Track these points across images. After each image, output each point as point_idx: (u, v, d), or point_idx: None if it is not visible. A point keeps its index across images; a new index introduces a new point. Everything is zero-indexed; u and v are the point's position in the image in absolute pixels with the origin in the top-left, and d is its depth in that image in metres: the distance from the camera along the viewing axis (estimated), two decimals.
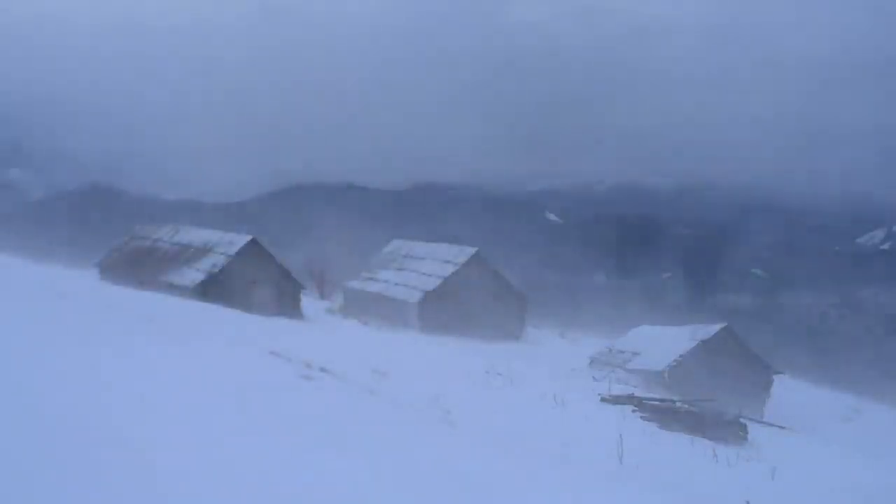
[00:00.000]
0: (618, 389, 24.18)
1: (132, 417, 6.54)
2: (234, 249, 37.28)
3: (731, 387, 30.85)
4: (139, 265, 40.69)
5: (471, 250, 45.28)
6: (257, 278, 36.74)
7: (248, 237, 37.92)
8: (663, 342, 35.60)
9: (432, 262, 45.84)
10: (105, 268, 43.08)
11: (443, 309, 42.06)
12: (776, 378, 35.78)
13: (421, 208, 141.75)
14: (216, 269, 36.29)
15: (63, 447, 5.21)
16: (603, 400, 21.14)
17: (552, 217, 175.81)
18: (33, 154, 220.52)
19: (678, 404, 20.66)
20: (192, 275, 36.69)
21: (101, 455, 5.27)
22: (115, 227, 52.72)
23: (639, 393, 23.86)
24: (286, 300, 37.41)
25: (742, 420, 19.26)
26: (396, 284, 45.49)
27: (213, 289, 34.43)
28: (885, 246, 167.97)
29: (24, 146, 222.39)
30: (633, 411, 19.41)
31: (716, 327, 35.79)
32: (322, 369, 14.03)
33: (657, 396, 23.46)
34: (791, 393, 36.39)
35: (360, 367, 16.73)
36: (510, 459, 9.71)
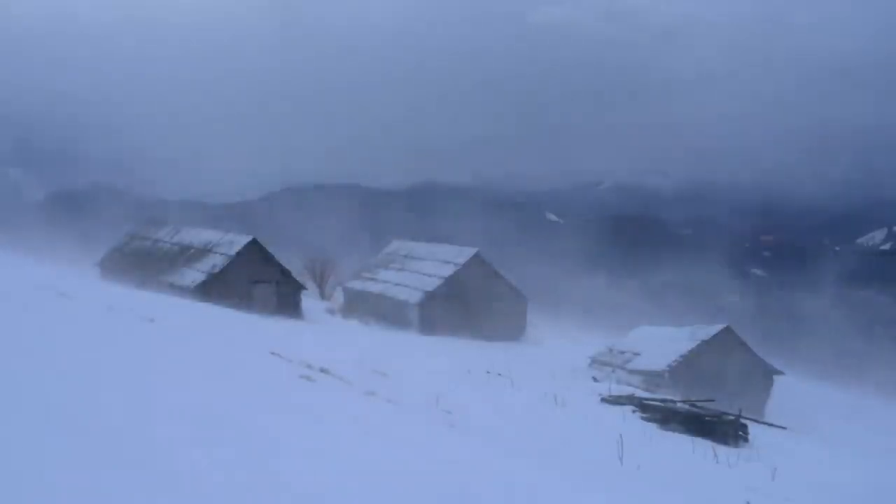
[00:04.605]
0: (618, 390, 24.18)
1: (131, 416, 6.54)
2: (234, 250, 37.31)
3: (732, 387, 30.87)
4: (140, 265, 40.73)
5: (471, 251, 45.29)
6: (257, 278, 36.77)
7: (249, 237, 37.95)
8: (664, 342, 35.60)
9: (433, 262, 45.85)
10: (106, 267, 43.12)
11: (443, 309, 42.07)
12: (776, 378, 35.79)
13: (421, 208, 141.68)
14: (216, 270, 36.32)
15: (62, 445, 5.21)
16: (603, 400, 21.14)
17: (552, 217, 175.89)
18: (34, 154, 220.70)
19: (679, 404, 20.65)
20: (193, 275, 36.71)
21: (100, 453, 5.27)
22: (115, 227, 52.68)
23: (639, 393, 23.86)
24: (286, 300, 37.44)
25: (742, 420, 19.24)
26: (397, 285, 45.49)
27: (214, 289, 34.45)
28: (886, 246, 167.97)
29: (24, 146, 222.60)
30: (634, 412, 19.41)
31: (716, 328, 35.79)
32: (322, 370, 14.03)
33: (658, 397, 23.45)
34: (791, 393, 36.37)
35: (361, 368, 16.73)
36: (511, 460, 9.71)
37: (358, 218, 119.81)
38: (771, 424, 24.51)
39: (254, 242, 37.67)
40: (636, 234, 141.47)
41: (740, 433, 18.56)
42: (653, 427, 17.71)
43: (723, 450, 15.85)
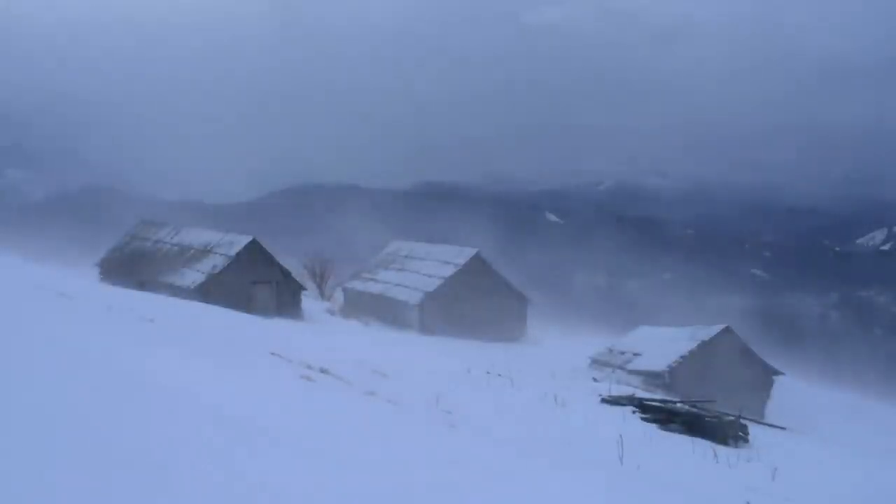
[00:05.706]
0: (618, 390, 24.17)
1: (130, 417, 6.54)
2: (234, 250, 37.32)
3: (732, 387, 30.84)
4: (139, 266, 40.74)
5: (471, 251, 45.30)
6: (257, 279, 36.78)
7: (249, 238, 37.97)
8: (664, 343, 35.60)
9: (433, 262, 45.85)
10: (105, 268, 43.12)
11: (443, 310, 42.06)
12: (776, 378, 35.78)
13: (421, 208, 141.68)
14: (216, 270, 36.34)
15: (62, 445, 5.21)
16: (603, 400, 21.12)
17: (552, 217, 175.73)
18: (33, 154, 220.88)
19: (678, 405, 20.63)
20: (193, 275, 36.72)
21: (99, 453, 5.27)
22: (115, 227, 52.69)
23: (639, 393, 23.85)
24: (286, 301, 37.46)
25: (742, 421, 19.23)
26: (397, 285, 45.49)
27: (214, 289, 34.47)
28: (886, 246, 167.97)
29: (24, 146, 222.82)
30: (634, 412, 19.39)
31: (716, 328, 35.78)
32: (322, 370, 14.03)
33: (658, 397, 23.44)
34: (791, 393, 36.38)
35: (361, 368, 16.73)
36: (510, 460, 9.71)
37: (358, 218, 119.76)
38: (771, 425, 24.52)
39: (254, 243, 37.69)
40: (636, 234, 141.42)
41: (740, 433, 18.54)
42: (653, 427, 17.69)
43: (723, 450, 15.84)
